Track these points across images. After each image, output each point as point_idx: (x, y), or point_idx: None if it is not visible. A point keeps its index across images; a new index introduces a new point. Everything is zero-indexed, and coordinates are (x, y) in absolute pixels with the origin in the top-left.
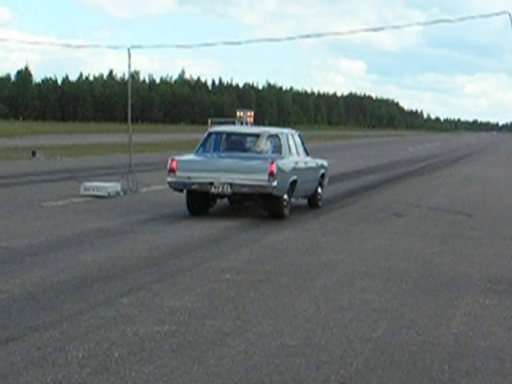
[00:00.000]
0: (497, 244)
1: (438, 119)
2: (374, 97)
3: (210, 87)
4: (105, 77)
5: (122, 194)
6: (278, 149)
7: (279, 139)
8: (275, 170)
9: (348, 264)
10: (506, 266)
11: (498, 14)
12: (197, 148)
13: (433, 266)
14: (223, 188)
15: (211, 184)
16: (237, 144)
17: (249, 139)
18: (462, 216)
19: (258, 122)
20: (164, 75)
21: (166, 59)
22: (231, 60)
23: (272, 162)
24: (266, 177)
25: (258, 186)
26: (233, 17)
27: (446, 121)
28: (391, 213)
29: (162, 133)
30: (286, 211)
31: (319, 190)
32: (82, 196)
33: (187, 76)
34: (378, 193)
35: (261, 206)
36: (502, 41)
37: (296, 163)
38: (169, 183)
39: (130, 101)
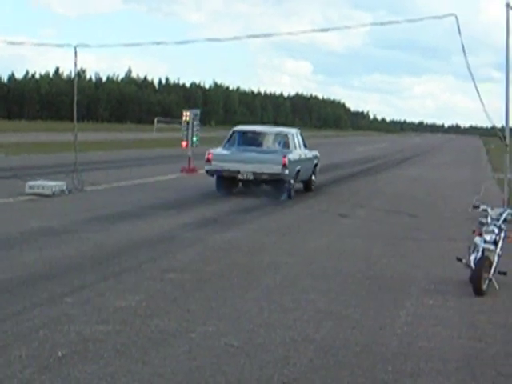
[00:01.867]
0: (441, 245)
1: (384, 120)
2: (320, 97)
3: (156, 86)
4: (51, 75)
5: (67, 192)
6: (287, 145)
7: (287, 137)
8: (287, 162)
9: (292, 264)
10: (450, 267)
11: (444, 17)
12: (224, 143)
13: (377, 266)
14: (247, 175)
15: (238, 172)
16: (255, 140)
17: (264, 137)
18: (407, 217)
19: (204, 121)
20: (110, 74)
21: (112, 58)
22: (178, 59)
23: (284, 156)
24: (280, 167)
25: (274, 174)
26: (179, 15)
27: (393, 122)
28: (336, 213)
29: (108, 131)
30: (292, 192)
31: (313, 177)
32: (27, 194)
33: (134, 75)
34: (323, 194)
35: (274, 188)
36: (450, 43)
37: (299, 156)
38: (206, 170)
39: (75, 99)
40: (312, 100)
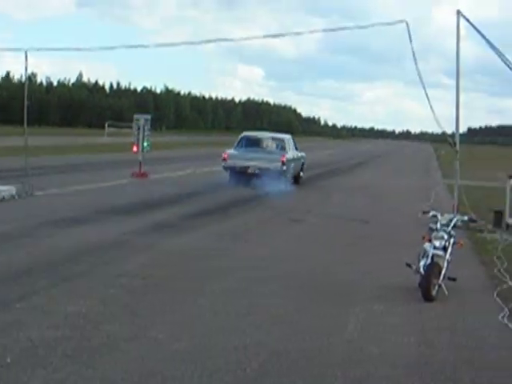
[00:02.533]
0: (390, 251)
1: (335, 126)
2: (271, 103)
3: (107, 91)
4: (1, 79)
5: (17, 197)
6: (283, 147)
7: (284, 141)
8: (285, 160)
9: (245, 269)
10: (399, 273)
11: (396, 23)
12: (235, 145)
13: (328, 272)
14: (254, 170)
15: (248, 167)
16: (259, 143)
17: (266, 141)
18: (358, 223)
19: (155, 126)
20: (62, 78)
21: (63, 62)
22: (129, 64)
23: (283, 156)
24: (280, 164)
25: (275, 169)
26: (131, 20)
27: (344, 128)
28: (288, 219)
29: (59, 136)
30: (288, 183)
31: (301, 173)
32: None
33: (85, 79)
34: (275, 199)
35: (274, 180)
36: (401, 49)
37: (293, 156)
38: (223, 167)
39: (26, 103)
40: (263, 105)
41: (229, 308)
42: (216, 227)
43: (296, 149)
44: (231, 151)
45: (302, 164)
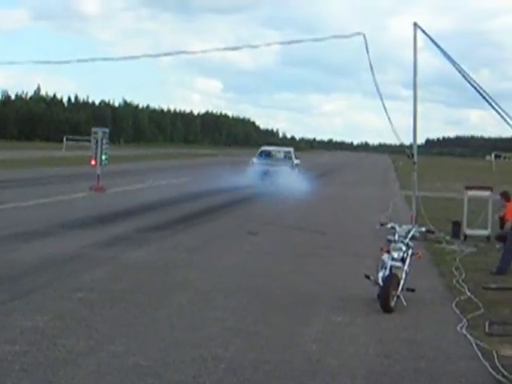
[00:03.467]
0: (349, 262)
1: (293, 138)
2: (230, 115)
3: (65, 104)
4: None
5: None
6: (290, 157)
7: (290, 152)
8: (293, 164)
9: (203, 282)
10: (358, 284)
11: (353, 36)
12: (257, 155)
13: (287, 284)
14: (271, 171)
15: (267, 170)
16: (273, 154)
17: (278, 152)
18: (316, 234)
19: (113, 139)
20: (19, 91)
21: (21, 75)
22: (87, 77)
23: (291, 161)
24: (289, 167)
25: (286, 170)
26: (89, 33)
27: (302, 140)
28: (246, 231)
29: (17, 149)
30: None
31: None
32: None
33: (43, 93)
34: (234, 211)
35: (285, 177)
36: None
37: (295, 162)
38: (251, 169)
39: None
40: (222, 118)
41: (186, 321)
42: (174, 240)
43: (296, 158)
44: (255, 160)
45: (297, 165)
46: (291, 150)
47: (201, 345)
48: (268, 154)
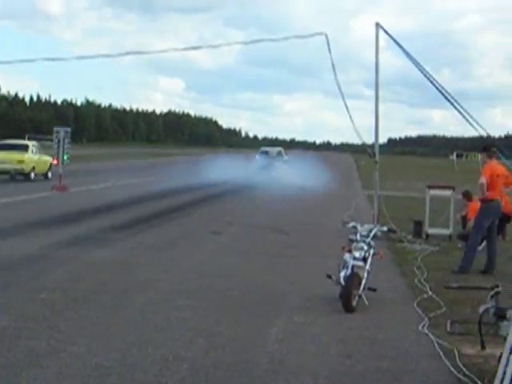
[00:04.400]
0: (313, 262)
1: (256, 137)
2: (192, 115)
3: (27, 103)
4: None
5: None
6: (281, 154)
7: (281, 151)
8: (284, 159)
9: (166, 282)
10: (322, 284)
11: (315, 35)
12: (258, 153)
13: (249, 283)
14: (268, 165)
15: (266, 164)
16: (269, 152)
17: (273, 151)
18: (279, 234)
19: (75, 139)
20: None
21: None
22: (50, 76)
23: (283, 157)
24: (283, 162)
25: (279, 165)
26: (52, 33)
27: (265, 139)
28: (209, 230)
29: None
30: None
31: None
32: None
33: (4, 91)
34: (196, 211)
35: (278, 169)
36: (321, 61)
37: (284, 158)
38: (256, 164)
39: None
40: (184, 117)
41: (148, 321)
42: (137, 240)
43: (285, 155)
44: (257, 157)
45: (286, 161)
46: (282, 149)
47: (163, 345)
48: (266, 153)
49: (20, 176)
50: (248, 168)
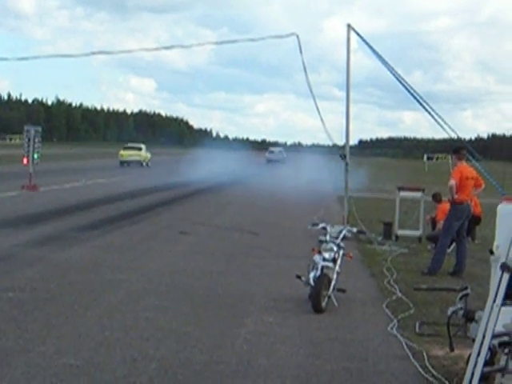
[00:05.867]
0: (282, 263)
1: (227, 138)
2: (164, 115)
3: None
4: None
5: None
6: (282, 152)
7: (282, 150)
8: (285, 155)
9: (134, 282)
10: (290, 285)
11: (287, 36)
12: (268, 151)
13: (218, 284)
14: (275, 160)
15: (272, 158)
16: (274, 151)
17: (276, 149)
18: (248, 235)
19: (46, 138)
20: None
21: None
22: (20, 75)
23: (284, 153)
24: (284, 156)
25: (282, 158)
26: (23, 31)
27: (236, 139)
28: (178, 231)
29: None
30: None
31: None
32: None
33: None
34: (166, 211)
35: (280, 163)
36: (292, 61)
37: (284, 156)
38: (266, 159)
39: None
40: (156, 117)
41: (117, 321)
42: (105, 240)
43: (284, 152)
44: (267, 154)
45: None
46: (282, 149)
47: (132, 345)
48: (272, 152)
49: (138, 163)
50: (262, 160)
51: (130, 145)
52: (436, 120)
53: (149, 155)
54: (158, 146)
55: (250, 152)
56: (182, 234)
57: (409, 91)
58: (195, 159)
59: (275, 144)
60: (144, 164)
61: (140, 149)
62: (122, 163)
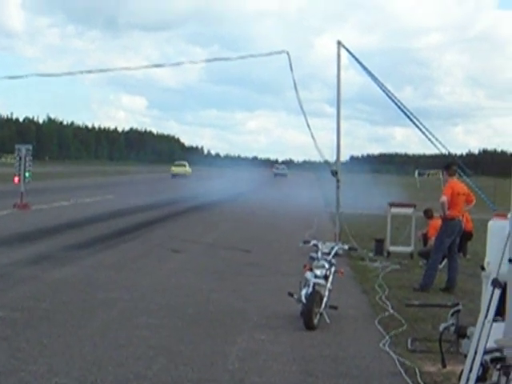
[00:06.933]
0: (274, 280)
1: (218, 155)
2: (155, 132)
3: None
4: None
5: None
6: (285, 168)
7: (285, 167)
8: (287, 171)
9: (126, 301)
10: (282, 302)
11: (277, 54)
12: (274, 167)
13: (210, 302)
14: (280, 174)
15: (278, 173)
16: (279, 167)
17: (280, 166)
18: (240, 252)
19: (38, 156)
20: None
21: None
22: (11, 93)
23: (286, 171)
24: (286, 172)
25: (285, 173)
26: (14, 49)
27: (227, 157)
28: (169, 249)
29: None
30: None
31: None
32: None
33: None
34: (158, 229)
35: (283, 178)
36: (283, 79)
37: (287, 172)
38: (274, 173)
39: None
40: (147, 135)
41: (109, 340)
42: (97, 258)
43: (287, 168)
44: (274, 170)
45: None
46: (285, 166)
47: (124, 363)
48: (277, 168)
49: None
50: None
51: (177, 163)
52: (426, 136)
53: (190, 170)
54: (148, 164)
55: (262, 168)
56: (173, 252)
57: (399, 107)
58: (219, 176)
59: (281, 162)
60: (187, 175)
61: (185, 165)
62: (174, 176)
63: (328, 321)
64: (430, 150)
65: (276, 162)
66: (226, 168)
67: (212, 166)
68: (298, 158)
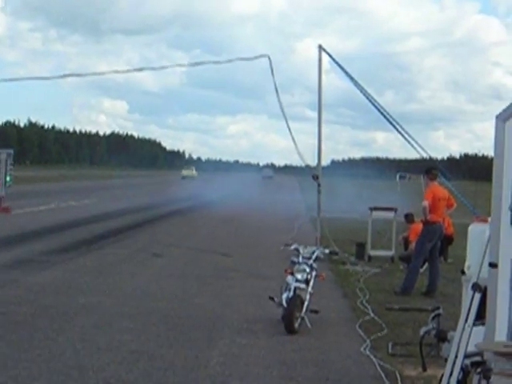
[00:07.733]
0: (255, 284)
1: (199, 159)
2: (136, 136)
3: None
4: None
5: None
6: (271, 172)
7: (271, 170)
8: (273, 174)
9: (106, 305)
10: (263, 306)
11: (258, 58)
12: (262, 170)
13: (191, 306)
14: (267, 176)
15: (266, 175)
16: (266, 170)
17: (267, 168)
18: (221, 256)
19: (19, 161)
20: None
21: None
22: None
23: (273, 173)
24: (272, 175)
25: (271, 176)
26: None
27: (208, 161)
28: (151, 253)
29: None
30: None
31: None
32: None
33: None
34: (139, 233)
35: (270, 180)
36: (265, 83)
37: (274, 173)
38: (262, 176)
39: None
40: (128, 139)
41: (89, 344)
42: (78, 263)
43: (273, 171)
44: (262, 173)
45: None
46: (271, 169)
47: (105, 368)
48: (265, 171)
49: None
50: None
51: (186, 167)
52: (407, 140)
53: (196, 173)
54: (131, 168)
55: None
56: (154, 257)
57: (380, 112)
58: (218, 178)
59: (267, 166)
60: (195, 177)
61: (192, 169)
62: (184, 178)
63: (309, 325)
64: (412, 154)
65: (265, 166)
66: (213, 172)
67: (198, 170)
68: (279, 162)
